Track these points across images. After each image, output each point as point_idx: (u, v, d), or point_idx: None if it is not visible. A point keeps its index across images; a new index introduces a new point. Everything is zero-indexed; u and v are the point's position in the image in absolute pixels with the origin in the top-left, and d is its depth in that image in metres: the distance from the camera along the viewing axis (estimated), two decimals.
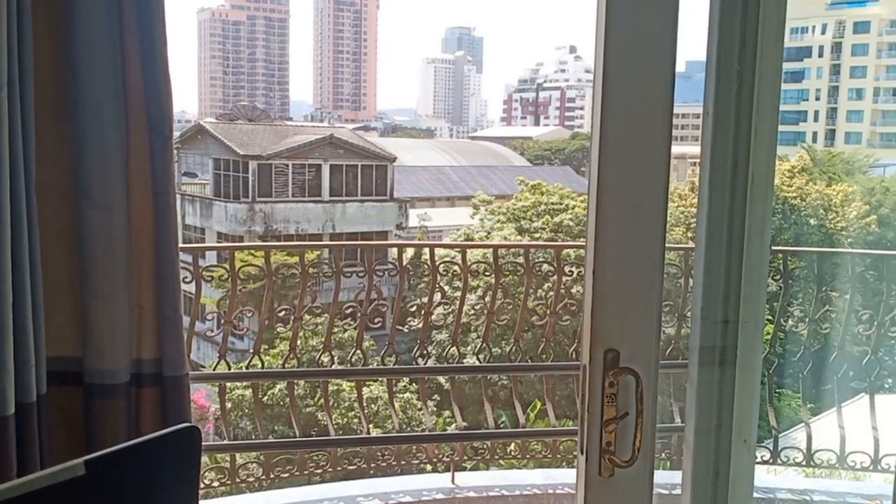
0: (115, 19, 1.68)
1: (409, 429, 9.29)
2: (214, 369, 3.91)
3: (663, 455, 4.33)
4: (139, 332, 1.77)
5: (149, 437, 1.54)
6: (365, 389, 8.33)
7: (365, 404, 5.93)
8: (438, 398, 10.84)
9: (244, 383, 9.67)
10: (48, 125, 1.69)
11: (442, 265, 4.18)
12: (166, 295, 1.76)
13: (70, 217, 1.72)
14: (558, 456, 4.35)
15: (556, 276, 4.14)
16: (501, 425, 7.77)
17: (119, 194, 1.71)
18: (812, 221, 17.33)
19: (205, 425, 9.06)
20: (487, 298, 4.23)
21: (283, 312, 4.20)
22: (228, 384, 6.32)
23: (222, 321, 3.83)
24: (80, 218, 1.71)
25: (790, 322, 4.33)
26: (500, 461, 5.16)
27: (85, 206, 1.71)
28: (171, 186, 1.75)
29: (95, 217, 1.71)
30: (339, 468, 4.01)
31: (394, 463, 4.12)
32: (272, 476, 3.97)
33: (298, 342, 4.07)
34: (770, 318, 3.99)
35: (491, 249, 4.36)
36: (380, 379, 7.24)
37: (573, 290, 4.26)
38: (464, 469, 4.48)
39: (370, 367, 4.34)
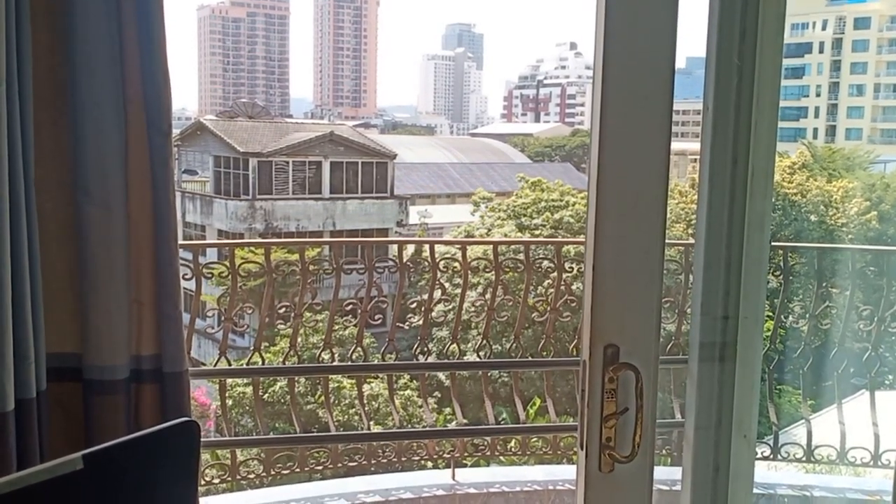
0: (114, 15, 1.67)
1: (409, 425, 9.29)
2: (215, 366, 3.91)
3: (664, 451, 4.33)
4: (139, 329, 1.77)
5: (147, 432, 1.54)
6: (365, 386, 8.35)
7: (365, 401, 5.94)
8: (439, 395, 10.84)
9: (245, 380, 9.67)
10: (46, 121, 1.69)
11: (442, 262, 4.18)
12: (166, 291, 1.76)
13: (69, 213, 1.72)
14: (559, 452, 4.36)
15: (556, 273, 4.14)
16: (502, 422, 7.77)
17: (118, 190, 1.71)
18: (812, 218, 17.33)
19: (206, 423, 9.07)
20: (488, 295, 4.23)
21: (284, 309, 4.20)
22: (229, 381, 6.33)
23: (223, 318, 3.83)
24: (79, 214, 1.71)
25: (790, 318, 4.33)
26: (501, 458, 5.16)
27: (84, 202, 1.70)
28: (170, 182, 1.74)
29: (94, 213, 1.71)
30: (339, 465, 4.01)
31: (394, 459, 4.12)
32: (273, 473, 3.98)
33: (299, 339, 4.07)
34: (770, 314, 4.00)
35: (491, 246, 4.35)
36: (380, 376, 7.23)
37: (573, 287, 4.26)
38: (464, 465, 4.48)
39: (371, 363, 4.35)
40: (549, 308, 4.26)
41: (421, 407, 8.24)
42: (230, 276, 3.75)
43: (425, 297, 4.16)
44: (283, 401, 10.81)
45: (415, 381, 10.05)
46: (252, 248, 6.68)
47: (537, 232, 16.79)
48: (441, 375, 10.27)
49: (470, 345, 9.44)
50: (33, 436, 1.65)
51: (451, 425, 6.06)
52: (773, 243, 1.89)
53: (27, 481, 1.29)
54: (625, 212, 1.49)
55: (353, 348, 4.00)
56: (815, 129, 27.57)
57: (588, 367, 1.49)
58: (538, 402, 8.12)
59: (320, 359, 4.15)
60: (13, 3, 1.57)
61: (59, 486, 1.30)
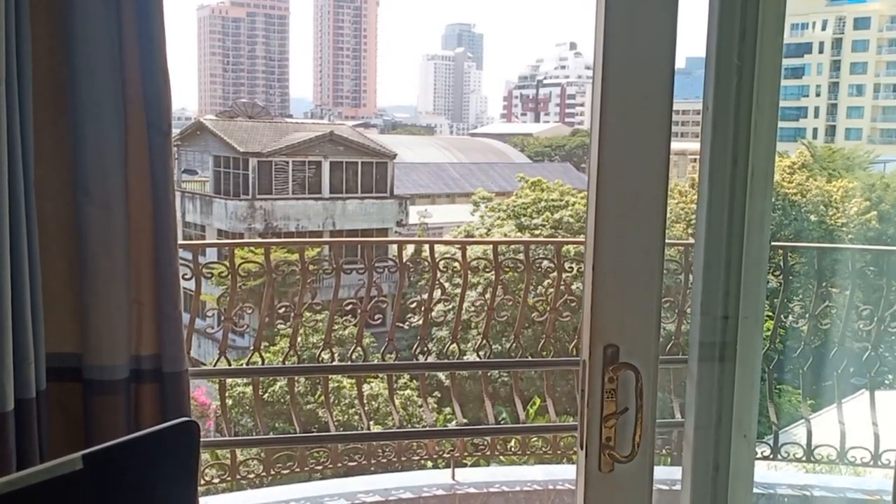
0: (114, 15, 1.67)
1: (409, 425, 9.28)
2: (215, 366, 3.92)
3: (663, 451, 4.33)
4: (138, 329, 1.76)
5: (147, 432, 1.54)
6: (365, 386, 8.34)
7: (365, 401, 5.93)
8: (439, 395, 10.84)
9: (245, 380, 9.67)
10: (46, 121, 1.69)
11: (442, 262, 4.18)
12: (165, 291, 1.76)
13: (68, 213, 1.72)
14: (558, 452, 4.36)
15: (556, 273, 4.14)
16: (502, 422, 7.77)
17: (118, 190, 1.71)
18: (812, 217, 17.33)
19: (206, 422, 9.08)
20: (487, 295, 4.23)
21: (284, 309, 4.20)
22: (229, 381, 6.32)
23: (222, 318, 3.83)
24: (79, 214, 1.71)
25: (790, 318, 4.33)
26: (501, 457, 5.17)
27: (83, 202, 1.70)
28: (170, 182, 1.74)
29: (94, 213, 1.70)
30: (339, 465, 4.01)
31: (394, 459, 4.12)
32: (273, 472, 3.98)
33: (299, 339, 4.07)
34: (770, 314, 4.00)
35: (491, 246, 4.35)
36: (380, 375, 7.23)
37: (573, 287, 4.26)
38: (464, 465, 4.48)
39: (370, 363, 4.34)
40: (548, 308, 4.26)
41: (421, 407, 8.24)
42: (230, 276, 3.75)
43: (425, 296, 4.16)
44: (282, 400, 10.81)
45: (415, 381, 10.05)
46: (252, 248, 6.69)
47: (537, 232, 16.78)
48: (441, 375, 10.27)
49: (470, 345, 9.43)
50: (33, 436, 1.65)
51: (451, 425, 6.06)
52: (772, 243, 1.89)
53: (27, 481, 1.29)
54: (624, 212, 1.49)
55: (352, 348, 4.00)
56: (815, 129, 27.58)
57: (588, 367, 1.49)
58: (538, 401, 8.12)
59: (320, 358, 4.15)
60: (13, 3, 1.57)
61: (58, 487, 1.30)
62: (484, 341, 4.17)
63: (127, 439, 1.48)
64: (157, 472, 1.48)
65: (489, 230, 17.63)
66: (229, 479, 3.87)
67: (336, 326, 9.61)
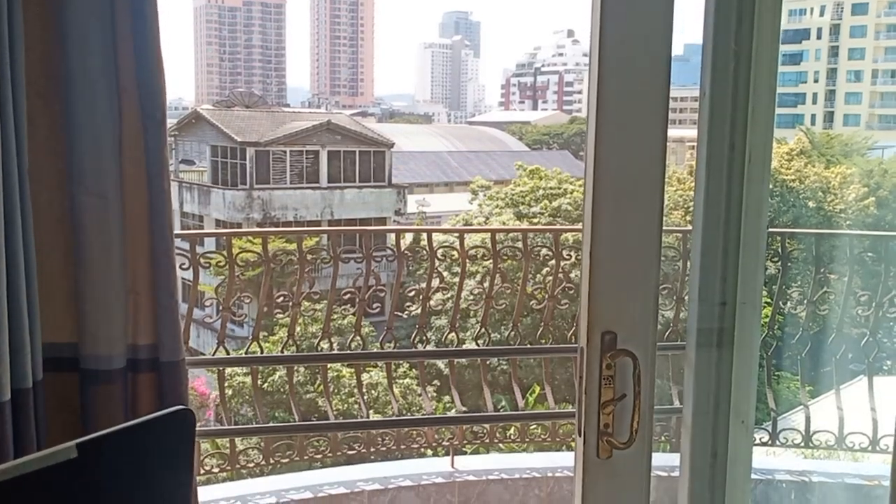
0: (107, 3, 1.67)
1: (408, 414, 9.30)
2: (213, 356, 3.91)
3: (662, 437, 4.33)
4: (135, 318, 1.76)
5: (142, 420, 1.54)
6: (364, 375, 8.36)
7: (364, 390, 5.94)
8: (438, 383, 10.87)
9: (244, 370, 9.68)
10: (40, 110, 1.68)
11: (440, 250, 4.17)
12: (161, 280, 1.76)
13: (63, 203, 1.71)
14: (557, 440, 4.36)
15: (554, 261, 4.13)
16: (501, 410, 7.78)
17: (112, 179, 1.71)
18: (810, 204, 17.34)
19: (205, 412, 9.11)
20: (486, 283, 4.22)
21: (282, 299, 4.19)
22: (228, 371, 6.33)
23: (220, 308, 3.82)
24: (74, 204, 1.71)
25: (788, 304, 4.33)
26: (500, 445, 5.18)
27: (78, 191, 1.70)
28: (165, 171, 1.74)
29: (89, 202, 1.70)
30: (339, 453, 4.02)
31: (394, 447, 4.13)
32: (272, 462, 3.98)
33: (297, 329, 4.06)
34: (768, 300, 4.00)
35: (489, 234, 4.34)
36: (379, 364, 7.23)
37: (571, 275, 4.26)
38: (463, 453, 4.48)
39: (369, 351, 4.34)
40: (547, 296, 4.25)
41: (420, 395, 8.25)
42: (228, 266, 3.74)
43: (423, 285, 4.15)
44: (282, 390, 10.83)
45: (414, 370, 10.07)
46: (250, 238, 6.68)
47: (535, 220, 16.79)
48: (440, 363, 10.30)
49: (468, 333, 9.44)
50: (30, 425, 1.65)
51: (451, 413, 6.07)
52: (771, 229, 1.89)
53: (21, 470, 1.28)
54: (622, 199, 1.48)
55: (351, 337, 3.99)
56: (813, 116, 27.54)
57: (586, 354, 1.49)
58: (537, 389, 8.15)
59: (319, 348, 4.14)
60: None
61: (53, 475, 1.30)
62: (482, 329, 4.16)
63: (121, 427, 1.48)
64: (152, 460, 1.48)
65: (487, 218, 17.63)
66: (229, 468, 3.87)
67: (335, 316, 9.59)
